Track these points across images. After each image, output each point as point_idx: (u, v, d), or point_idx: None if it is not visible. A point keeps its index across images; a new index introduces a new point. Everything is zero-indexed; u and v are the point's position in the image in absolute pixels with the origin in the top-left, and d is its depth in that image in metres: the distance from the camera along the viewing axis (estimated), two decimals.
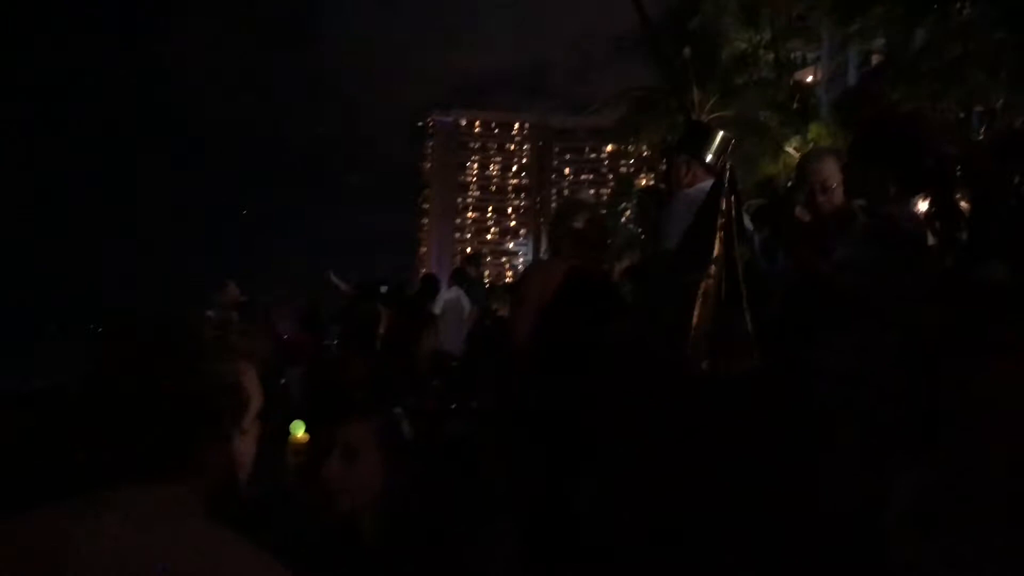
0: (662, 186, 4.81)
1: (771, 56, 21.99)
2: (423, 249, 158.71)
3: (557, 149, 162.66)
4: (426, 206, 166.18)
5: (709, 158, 3.52)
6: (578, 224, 3.70)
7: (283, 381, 7.90)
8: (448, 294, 8.05)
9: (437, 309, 7.57)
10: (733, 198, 2.59)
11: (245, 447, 1.18)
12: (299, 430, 3.24)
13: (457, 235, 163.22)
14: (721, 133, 3.61)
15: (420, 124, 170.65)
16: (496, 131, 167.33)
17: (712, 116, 20.45)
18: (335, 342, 7.90)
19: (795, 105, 20.65)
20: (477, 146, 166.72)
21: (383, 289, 7.71)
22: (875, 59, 21.35)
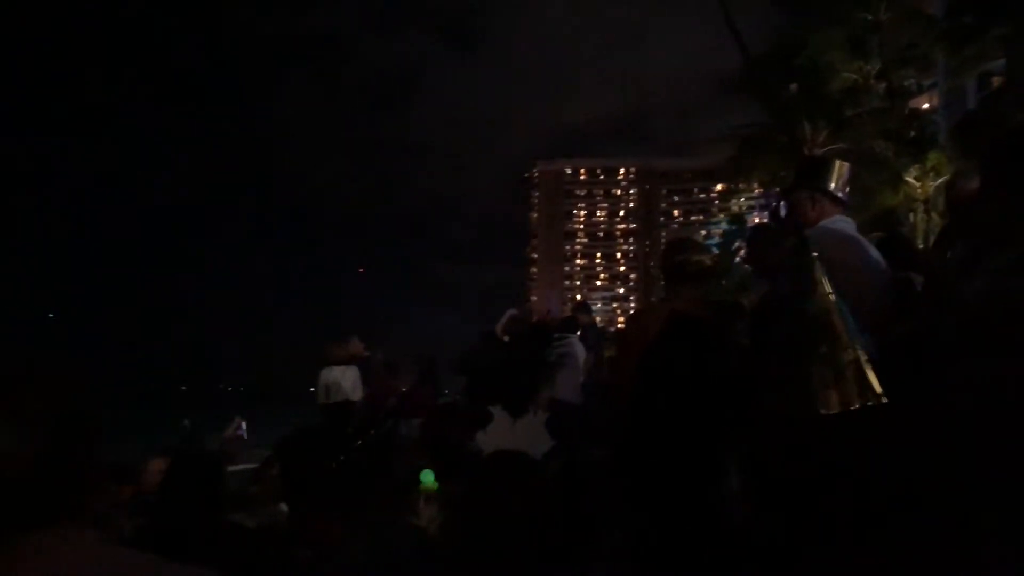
0: (776, 223, 4.71)
1: (882, 86, 21.42)
2: (533, 298, 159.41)
3: (664, 191, 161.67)
4: (534, 255, 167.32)
5: (833, 189, 3.44)
6: (686, 263, 3.68)
7: (404, 432, 8.05)
8: (561, 342, 8.05)
9: (551, 358, 7.57)
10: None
11: None
12: (428, 478, 3.31)
13: (566, 283, 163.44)
14: (842, 163, 3.52)
15: (524, 175, 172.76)
16: (601, 177, 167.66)
17: (825, 149, 20.02)
18: (457, 394, 7.99)
19: (911, 134, 19.99)
20: (583, 193, 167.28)
21: (506, 339, 7.77)
22: (996, 82, 20.53)
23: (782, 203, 3.69)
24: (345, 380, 8.63)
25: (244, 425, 9.95)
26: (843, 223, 3.30)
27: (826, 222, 3.31)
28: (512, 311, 8.31)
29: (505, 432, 2.72)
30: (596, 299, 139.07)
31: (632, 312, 5.37)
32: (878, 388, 2.55)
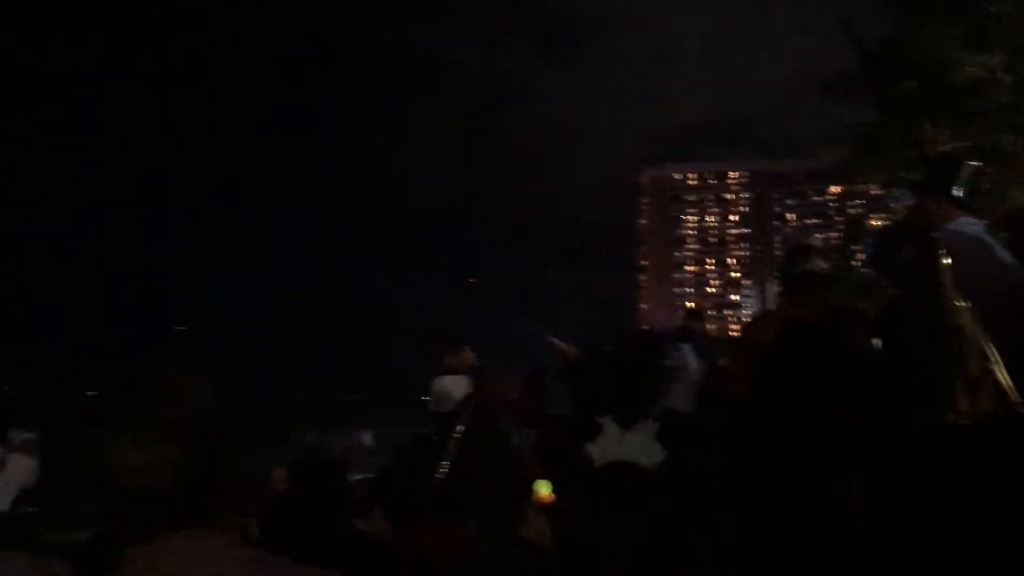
0: (901, 226, 4.51)
1: (1009, 78, 20.32)
2: (643, 306, 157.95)
3: (777, 195, 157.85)
4: (643, 262, 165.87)
5: (959, 192, 3.27)
6: (807, 269, 3.57)
7: (515, 443, 8.07)
8: (673, 351, 7.92)
9: (662, 367, 7.46)
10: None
11: None
12: (544, 488, 3.31)
13: (677, 290, 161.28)
14: (968, 163, 3.34)
15: (631, 182, 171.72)
16: (712, 181, 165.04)
17: (949, 147, 19.14)
18: (567, 404, 7.97)
19: None
20: (693, 198, 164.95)
21: (608, 348, 7.71)
22: None
23: (907, 205, 3.54)
24: (456, 390, 8.73)
25: (369, 435, 10.14)
26: (971, 224, 3.13)
27: (953, 224, 3.15)
28: (620, 321, 8.29)
29: (615, 443, 2.70)
30: (708, 306, 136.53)
31: (748, 320, 5.26)
32: (1014, 395, 2.41)
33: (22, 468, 7.49)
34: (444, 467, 3.30)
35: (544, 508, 3.28)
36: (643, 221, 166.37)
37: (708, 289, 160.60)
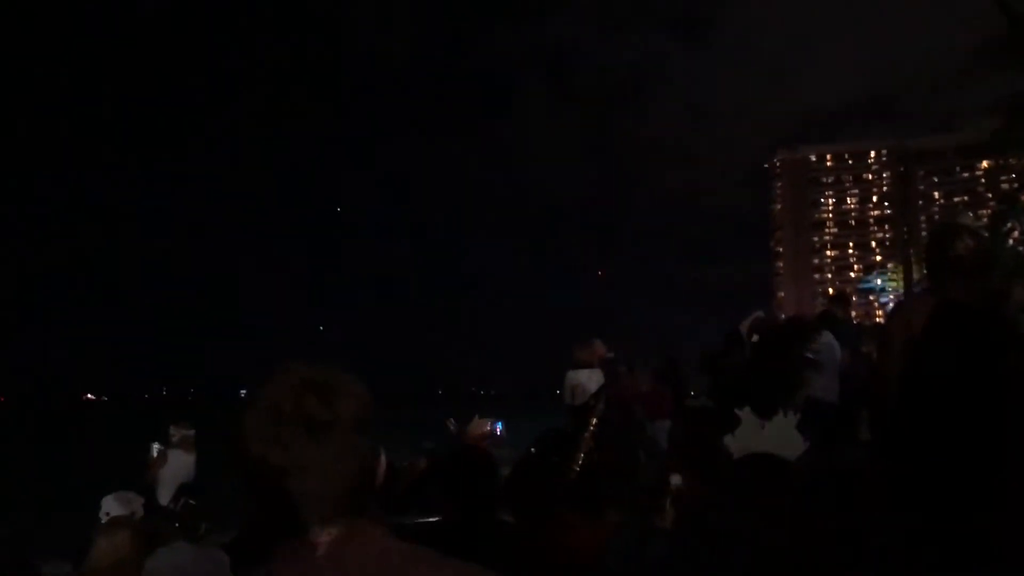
0: None
1: None
2: (780, 294, 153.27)
3: (921, 173, 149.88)
4: (779, 249, 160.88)
5: None
6: (958, 250, 3.34)
7: (649, 434, 7.99)
8: (815, 339, 7.62)
9: (804, 356, 7.20)
10: None
11: None
12: (678, 480, 3.25)
13: (816, 276, 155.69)
14: None
15: (765, 165, 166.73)
16: (850, 162, 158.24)
17: None
18: (702, 395, 7.83)
19: None
20: (830, 180, 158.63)
21: (755, 338, 7.52)
22: None
23: None
24: (590, 383, 8.73)
25: (500, 425, 10.22)
26: None
27: None
28: (758, 313, 8.03)
29: (754, 435, 2.62)
30: (850, 292, 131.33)
31: (895, 305, 4.95)
32: None
33: (181, 463, 7.98)
34: (579, 460, 3.26)
35: (680, 500, 3.22)
36: (778, 206, 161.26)
37: (849, 274, 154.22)
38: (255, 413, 1.14)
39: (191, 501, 5.40)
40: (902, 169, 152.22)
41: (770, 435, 2.56)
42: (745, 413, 2.65)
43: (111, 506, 5.08)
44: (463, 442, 4.50)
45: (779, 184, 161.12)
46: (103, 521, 4.83)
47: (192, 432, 8.13)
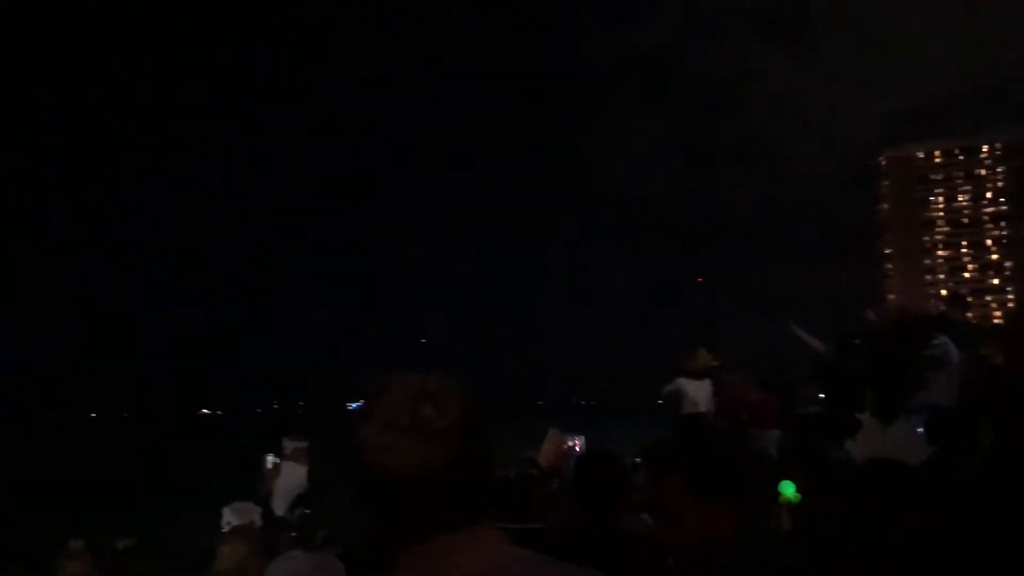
0: None
1: None
2: (891, 297, 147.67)
3: None
4: (887, 251, 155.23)
5: None
6: None
7: (759, 444, 7.79)
8: (933, 341, 7.31)
9: (922, 359, 6.93)
10: None
11: None
12: (788, 490, 3.17)
13: (928, 277, 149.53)
14: None
15: (869, 165, 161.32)
16: (960, 158, 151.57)
17: None
18: (813, 403, 7.60)
19: None
20: (940, 177, 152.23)
21: (857, 342, 7.27)
22: None
23: None
24: (698, 393, 8.60)
25: (580, 440, 10.13)
26: None
27: None
28: (870, 314, 7.76)
29: (876, 440, 2.54)
30: (966, 292, 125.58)
31: (1019, 305, 4.68)
32: None
33: (295, 475, 8.19)
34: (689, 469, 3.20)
35: (792, 509, 3.13)
36: (886, 206, 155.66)
37: (963, 274, 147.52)
38: (372, 424, 1.16)
39: (307, 511, 5.53)
40: (1017, 163, 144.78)
41: (893, 440, 2.47)
42: (865, 419, 2.57)
43: (231, 516, 5.25)
44: (540, 461, 4.44)
45: (886, 183, 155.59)
46: (224, 530, 5.02)
47: (305, 444, 8.33)
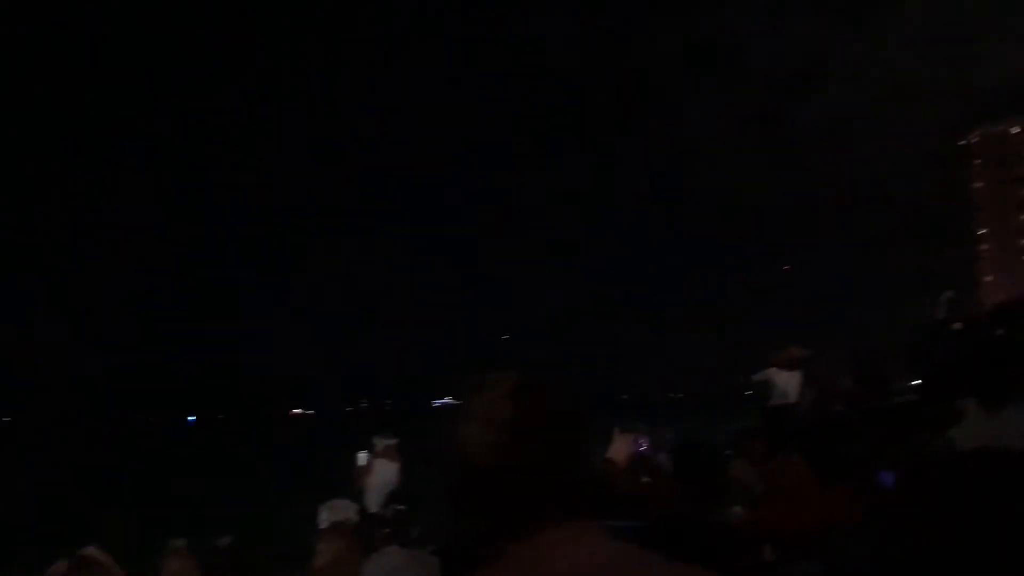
0: None
1: None
2: (988, 278, 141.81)
3: None
4: (982, 231, 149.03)
5: None
6: None
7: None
8: None
9: None
10: None
11: None
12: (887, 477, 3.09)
13: None
14: None
15: (961, 144, 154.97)
16: None
17: None
18: (908, 391, 7.36)
19: None
20: None
21: (957, 327, 7.01)
22: None
23: None
24: (788, 383, 8.45)
25: (646, 439, 9.99)
26: None
27: None
28: (948, 293, 7.49)
29: (982, 427, 2.44)
30: None
31: None
32: None
33: (387, 471, 8.34)
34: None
35: (891, 500, 3.04)
36: (978, 185, 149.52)
37: None
38: (472, 422, 1.16)
39: (401, 507, 5.61)
40: None
41: (1002, 427, 2.38)
42: (970, 405, 2.48)
43: (328, 513, 5.37)
44: (605, 464, 4.37)
45: (978, 161, 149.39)
46: (321, 528, 5.13)
47: (395, 441, 8.47)
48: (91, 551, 6.31)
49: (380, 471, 8.11)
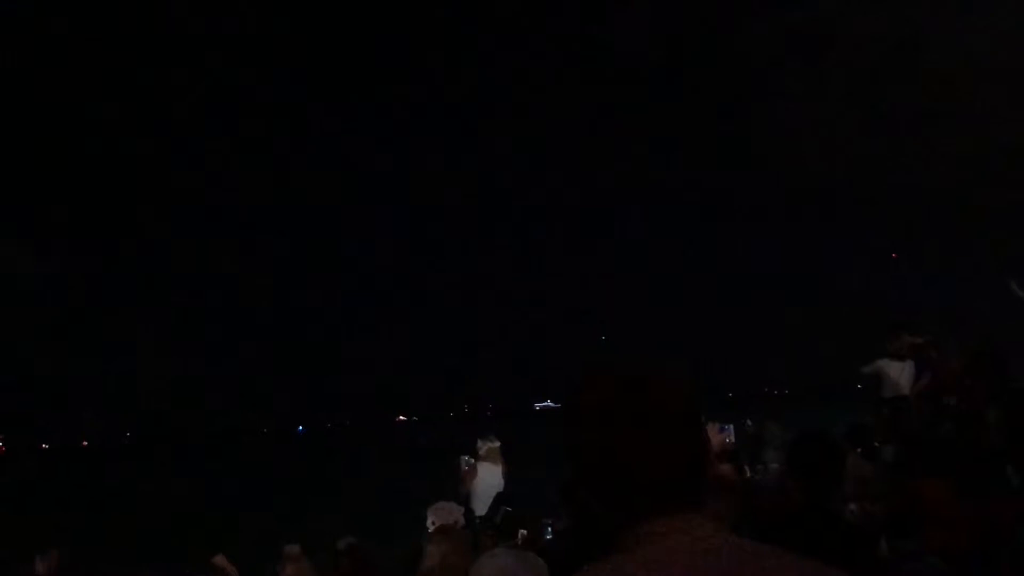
0: None
1: None
2: None
3: None
4: None
5: None
6: None
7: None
8: None
9: None
10: None
11: None
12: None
13: None
14: None
15: None
16: None
17: None
18: None
19: None
20: None
21: None
22: None
23: None
24: (900, 375, 8.19)
25: (729, 429, 9.73)
26: None
27: None
28: (1014, 283, 7.14)
29: None
30: None
31: None
32: None
33: (491, 474, 8.40)
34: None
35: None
36: None
37: None
38: (584, 416, 1.18)
39: (508, 509, 5.66)
40: None
41: None
42: None
43: (435, 516, 5.47)
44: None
45: None
46: (429, 530, 5.22)
47: (498, 444, 8.53)
48: (219, 560, 6.61)
49: (484, 474, 8.18)
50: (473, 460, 8.33)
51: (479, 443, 8.53)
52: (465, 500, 7.77)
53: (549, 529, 6.73)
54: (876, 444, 7.24)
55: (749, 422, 10.31)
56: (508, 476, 8.36)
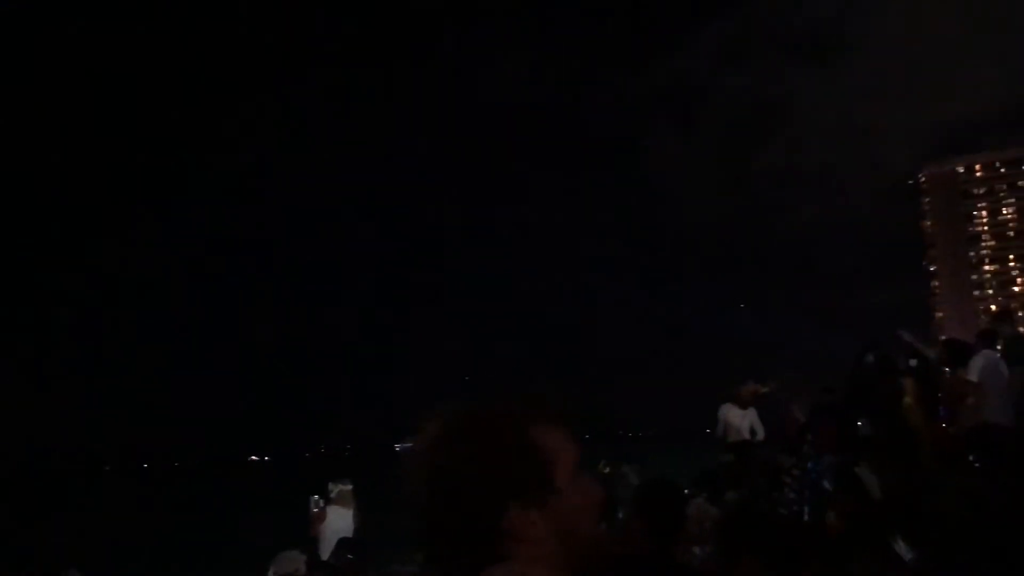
0: None
1: None
2: (939, 315, 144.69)
3: None
4: (932, 268, 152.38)
5: None
6: None
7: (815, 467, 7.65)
8: (980, 360, 7.12)
9: (973, 376, 6.77)
10: None
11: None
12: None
13: (976, 292, 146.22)
14: None
15: (910, 182, 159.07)
16: (1002, 170, 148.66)
17: None
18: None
19: None
20: (983, 191, 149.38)
21: (912, 363, 7.14)
22: None
23: None
24: (741, 421, 8.51)
25: (635, 468, 10.01)
26: None
27: None
28: (901, 333, 7.68)
29: None
30: (1016, 307, 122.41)
31: None
32: None
33: (341, 518, 8.19)
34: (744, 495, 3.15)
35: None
36: (929, 223, 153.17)
37: (1013, 288, 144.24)
38: (413, 464, 1.14)
39: (350, 556, 5.52)
40: None
41: None
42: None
43: (276, 566, 5.29)
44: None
45: (927, 200, 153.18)
46: None
47: (350, 487, 8.34)
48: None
49: (334, 518, 7.96)
50: (323, 502, 8.11)
51: (330, 485, 8.31)
52: (314, 543, 7.55)
53: None
54: (720, 489, 7.49)
55: (604, 464, 10.47)
56: (360, 521, 8.16)
